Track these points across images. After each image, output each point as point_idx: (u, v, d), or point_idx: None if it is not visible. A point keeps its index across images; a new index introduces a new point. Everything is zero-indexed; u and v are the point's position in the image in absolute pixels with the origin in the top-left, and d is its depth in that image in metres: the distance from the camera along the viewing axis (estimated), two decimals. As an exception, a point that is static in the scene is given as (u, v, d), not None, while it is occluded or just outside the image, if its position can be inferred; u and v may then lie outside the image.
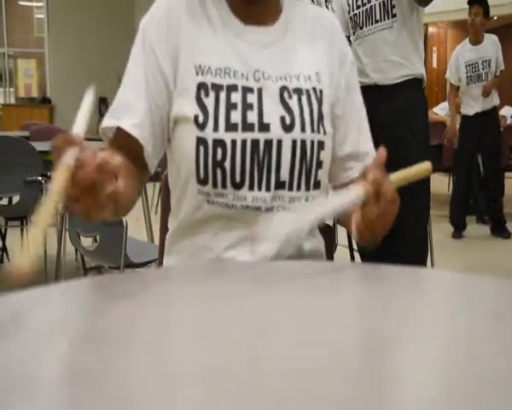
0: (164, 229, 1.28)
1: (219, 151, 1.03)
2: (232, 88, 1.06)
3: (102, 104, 13.73)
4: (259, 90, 1.07)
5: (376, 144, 2.55)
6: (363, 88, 1.25)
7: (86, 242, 2.99)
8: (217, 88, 1.05)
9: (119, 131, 1.07)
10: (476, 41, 5.27)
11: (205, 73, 1.06)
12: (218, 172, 1.04)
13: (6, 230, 4.34)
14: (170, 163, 1.16)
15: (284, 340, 0.57)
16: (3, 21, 13.01)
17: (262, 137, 1.05)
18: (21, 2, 15.81)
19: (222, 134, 1.03)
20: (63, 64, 12.85)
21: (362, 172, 0.91)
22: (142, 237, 3.35)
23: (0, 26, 13.16)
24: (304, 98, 1.09)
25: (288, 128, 1.07)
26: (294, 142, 1.06)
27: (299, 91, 1.10)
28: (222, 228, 1.08)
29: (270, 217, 1.06)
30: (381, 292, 0.77)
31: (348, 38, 2.74)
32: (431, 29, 11.82)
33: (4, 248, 4.29)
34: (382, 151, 0.91)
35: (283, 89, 1.09)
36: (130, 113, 1.07)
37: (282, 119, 1.07)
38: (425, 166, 0.92)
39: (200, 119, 1.04)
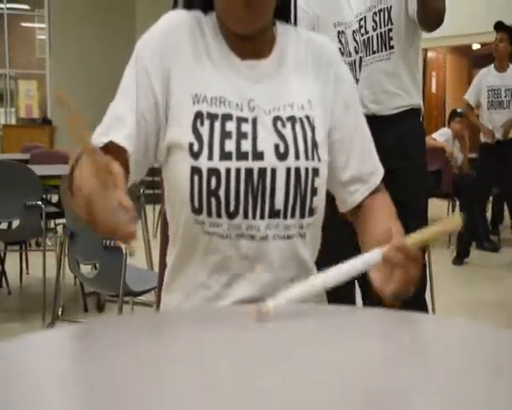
0: (163, 258, 1.28)
1: (214, 180, 1.03)
2: (227, 117, 1.06)
3: (103, 125, 13.82)
4: (254, 120, 1.08)
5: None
6: None
7: (85, 267, 2.99)
8: (212, 117, 1.06)
9: (108, 144, 1.07)
10: (501, 67, 5.27)
11: (201, 101, 1.07)
12: (213, 201, 1.04)
13: (5, 254, 4.33)
14: (166, 192, 1.16)
15: (283, 393, 0.57)
16: (5, 43, 13.09)
17: (256, 165, 1.05)
18: (23, 24, 15.93)
19: (216, 163, 1.03)
20: (64, 85, 12.90)
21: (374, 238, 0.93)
22: (140, 261, 3.35)
23: (2, 48, 13.24)
24: (297, 126, 1.10)
25: (281, 156, 1.07)
26: (288, 170, 1.07)
27: (292, 119, 1.10)
28: (218, 263, 1.08)
29: (267, 246, 1.06)
30: (378, 344, 0.77)
31: None
32: (430, 54, 11.89)
33: (3, 272, 4.29)
34: (399, 236, 0.93)
35: (277, 118, 1.09)
36: (120, 125, 1.08)
37: (276, 147, 1.07)
38: (455, 220, 0.92)
39: (195, 147, 1.04)
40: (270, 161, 1.06)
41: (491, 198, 6.73)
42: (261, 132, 1.07)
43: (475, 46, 12.07)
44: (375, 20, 2.47)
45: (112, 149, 1.03)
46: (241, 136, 1.06)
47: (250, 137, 1.06)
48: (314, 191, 1.09)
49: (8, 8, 13.29)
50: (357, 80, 2.16)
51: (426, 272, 2.54)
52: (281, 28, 1.20)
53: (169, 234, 1.19)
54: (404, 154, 2.46)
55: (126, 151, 1.05)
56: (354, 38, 2.18)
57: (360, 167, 1.19)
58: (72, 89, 12.92)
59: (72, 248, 2.53)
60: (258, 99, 1.10)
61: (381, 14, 2.45)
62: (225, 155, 1.04)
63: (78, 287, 3.94)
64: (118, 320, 0.84)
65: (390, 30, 2.44)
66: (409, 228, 0.97)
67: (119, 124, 1.07)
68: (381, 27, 2.46)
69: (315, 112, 1.13)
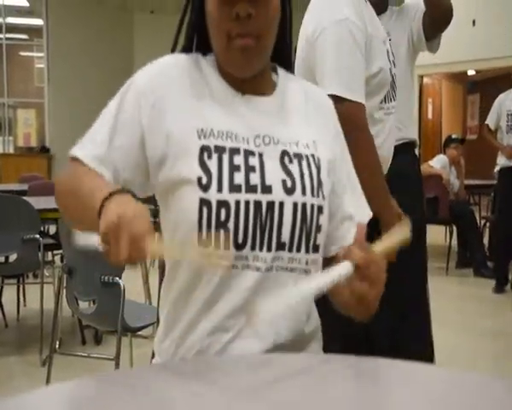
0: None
1: (223, 212, 1.04)
2: (235, 151, 1.08)
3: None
4: (261, 154, 1.10)
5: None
6: None
7: (83, 302, 2.98)
8: (220, 150, 1.07)
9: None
10: None
11: (207, 136, 1.08)
12: (221, 232, 1.04)
13: (2, 287, 4.32)
14: (165, 226, 1.16)
15: None
16: (4, 72, 13.17)
17: (264, 198, 1.06)
18: (22, 53, 16.05)
19: (226, 195, 1.04)
20: (62, 114, 12.96)
21: (344, 251, 0.94)
22: (139, 291, 3.34)
23: (0, 77, 13.32)
24: (304, 163, 1.12)
25: (289, 191, 1.08)
26: (295, 205, 1.08)
27: (299, 156, 1.12)
28: (221, 294, 1.07)
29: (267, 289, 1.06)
30: (376, 394, 0.77)
31: None
32: (426, 80, 11.98)
33: (0, 305, 4.27)
34: (362, 228, 0.93)
35: (284, 153, 1.11)
36: (93, 146, 1.14)
37: (284, 182, 1.08)
38: (403, 233, 0.93)
39: (204, 180, 1.04)
40: (278, 194, 1.07)
41: (487, 224, 6.75)
42: (268, 167, 1.09)
43: (470, 72, 12.19)
44: None
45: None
46: (250, 169, 1.07)
47: (258, 170, 1.08)
48: (318, 228, 1.11)
49: (7, 38, 13.38)
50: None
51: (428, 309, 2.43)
52: (282, 75, 1.23)
53: (165, 270, 1.18)
54: (399, 188, 2.48)
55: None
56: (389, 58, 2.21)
57: (348, 209, 1.22)
58: (70, 117, 12.97)
59: (70, 284, 2.52)
60: (265, 132, 1.12)
61: None
62: (235, 188, 1.05)
63: (76, 319, 3.93)
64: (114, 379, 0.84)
65: (392, 61, 2.47)
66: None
67: (93, 144, 1.15)
68: None
69: (319, 153, 1.15)
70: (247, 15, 1.04)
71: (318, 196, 1.11)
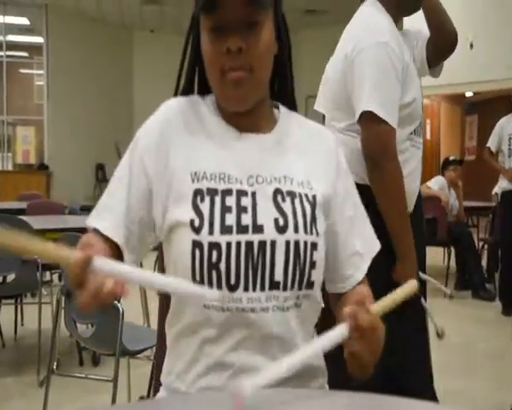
0: (162, 319, 1.28)
1: (215, 254, 1.05)
2: (227, 192, 1.09)
3: (100, 170, 13.86)
4: (253, 194, 1.10)
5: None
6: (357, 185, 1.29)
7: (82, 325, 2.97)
8: (212, 192, 1.08)
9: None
10: None
11: (200, 179, 1.10)
12: (214, 274, 1.05)
13: (0, 307, 4.30)
14: (166, 266, 1.18)
15: None
16: (4, 89, 13.22)
17: (256, 238, 1.07)
18: (22, 70, 16.11)
19: (217, 237, 1.05)
20: (61, 131, 12.99)
21: (345, 312, 0.94)
22: (137, 312, 3.33)
23: (0, 94, 13.36)
24: (297, 201, 1.12)
25: (281, 230, 1.08)
26: (288, 243, 1.08)
27: (292, 194, 1.12)
28: (217, 336, 1.08)
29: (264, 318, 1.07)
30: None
31: None
32: (425, 101, 11.95)
33: (-3, 324, 4.26)
34: (366, 290, 0.94)
35: (277, 191, 1.12)
36: (107, 215, 1.14)
37: (276, 220, 1.09)
38: (411, 285, 0.92)
39: (196, 223, 1.06)
40: (269, 233, 1.07)
41: (486, 246, 6.76)
42: (261, 206, 1.09)
43: (468, 94, 12.25)
44: None
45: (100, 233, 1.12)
46: (241, 209, 1.08)
47: (250, 210, 1.08)
48: (312, 265, 1.10)
49: (7, 56, 13.45)
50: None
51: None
52: (284, 112, 1.24)
53: (170, 307, 1.19)
54: None
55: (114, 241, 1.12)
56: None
57: (357, 249, 1.21)
58: (69, 135, 13.01)
59: (68, 307, 2.52)
60: (258, 170, 1.13)
61: None
62: (226, 229, 1.06)
63: (74, 339, 3.91)
64: None
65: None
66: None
67: (107, 212, 1.15)
68: None
69: (315, 190, 1.15)
70: (237, 49, 1.06)
71: (312, 233, 1.11)
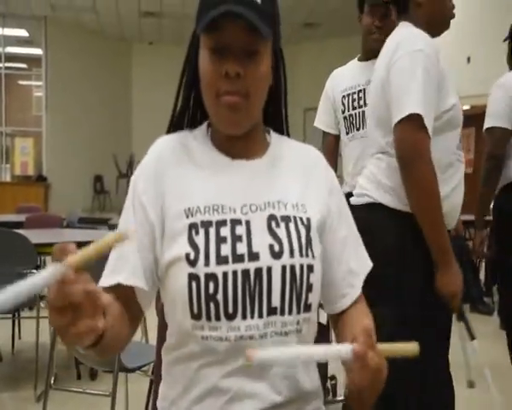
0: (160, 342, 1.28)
1: (211, 285, 1.04)
2: (221, 223, 1.09)
3: (98, 182, 13.87)
4: (247, 222, 1.10)
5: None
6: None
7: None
8: (206, 225, 1.09)
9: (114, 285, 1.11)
10: None
11: (194, 213, 1.10)
12: (212, 305, 1.05)
13: (-3, 320, 4.31)
14: (164, 302, 1.18)
15: None
16: (3, 101, 13.25)
17: (252, 266, 1.07)
18: (21, 82, 16.17)
19: (213, 268, 1.05)
20: (60, 143, 13.02)
21: (352, 336, 0.92)
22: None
23: (-1, 106, 13.41)
24: (291, 225, 1.12)
25: (276, 255, 1.08)
26: (284, 267, 1.08)
27: (286, 219, 1.13)
28: (216, 366, 1.08)
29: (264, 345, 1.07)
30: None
31: (337, 137, 2.81)
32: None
33: (-6, 338, 4.26)
34: (370, 322, 0.93)
35: (271, 217, 1.12)
36: (124, 265, 1.11)
37: (271, 247, 1.09)
38: (412, 347, 0.91)
39: (192, 256, 1.06)
40: (265, 260, 1.07)
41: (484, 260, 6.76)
42: (255, 234, 1.10)
43: (465, 107, 12.31)
44: None
45: (119, 289, 1.09)
46: (236, 239, 1.08)
47: (245, 239, 1.09)
48: (309, 287, 1.10)
49: (6, 68, 13.48)
50: None
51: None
52: (275, 137, 1.25)
53: (166, 338, 1.19)
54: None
55: (133, 288, 1.11)
56: None
57: (351, 268, 1.21)
58: (67, 146, 13.04)
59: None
60: (251, 198, 1.13)
61: None
62: (222, 260, 1.06)
63: (71, 353, 3.90)
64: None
65: None
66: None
67: (123, 264, 1.11)
68: None
69: (309, 213, 1.16)
70: (235, 75, 1.07)
71: (308, 256, 1.11)
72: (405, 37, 1.93)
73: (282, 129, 1.28)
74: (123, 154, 13.42)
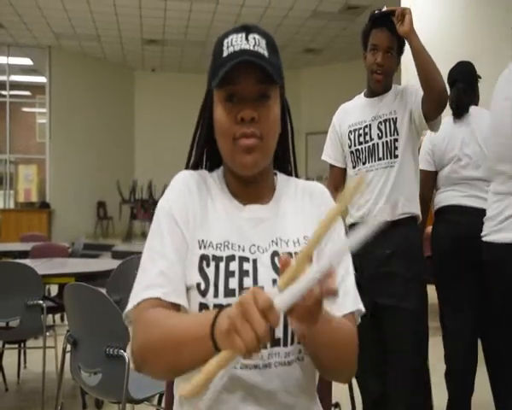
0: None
1: None
2: (230, 258, 1.18)
3: (101, 208, 13.91)
4: (254, 261, 1.18)
5: (371, 279, 2.55)
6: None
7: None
8: (217, 259, 1.17)
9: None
10: None
11: (207, 246, 1.18)
12: None
13: (3, 351, 4.31)
14: None
15: None
16: (7, 128, 13.34)
17: None
18: (25, 109, 16.29)
19: (221, 299, 1.13)
20: (63, 169, 13.08)
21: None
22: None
23: (3, 133, 13.48)
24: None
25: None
26: None
27: (289, 255, 1.17)
28: (222, 395, 1.12)
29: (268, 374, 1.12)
30: None
31: (343, 170, 2.85)
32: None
33: (1, 368, 4.25)
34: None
35: (274, 254, 1.20)
36: (166, 282, 1.14)
37: (274, 281, 1.15)
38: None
39: (202, 286, 1.14)
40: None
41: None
42: (261, 270, 1.18)
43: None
44: (380, 129, 2.59)
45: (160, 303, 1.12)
46: (244, 274, 1.16)
47: (251, 274, 1.17)
48: None
49: (10, 96, 13.60)
50: None
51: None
52: (281, 179, 1.33)
53: None
54: (402, 262, 2.53)
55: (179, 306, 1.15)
56: None
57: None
58: (71, 173, 13.09)
59: (74, 355, 2.54)
60: (259, 241, 1.21)
61: (387, 124, 2.57)
62: (230, 292, 1.14)
63: (77, 383, 3.91)
64: None
65: (396, 140, 2.55)
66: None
67: (166, 282, 1.14)
68: (386, 136, 2.57)
69: None
70: (251, 119, 1.16)
71: None
72: None
73: (291, 171, 1.36)
74: (126, 180, 13.49)
